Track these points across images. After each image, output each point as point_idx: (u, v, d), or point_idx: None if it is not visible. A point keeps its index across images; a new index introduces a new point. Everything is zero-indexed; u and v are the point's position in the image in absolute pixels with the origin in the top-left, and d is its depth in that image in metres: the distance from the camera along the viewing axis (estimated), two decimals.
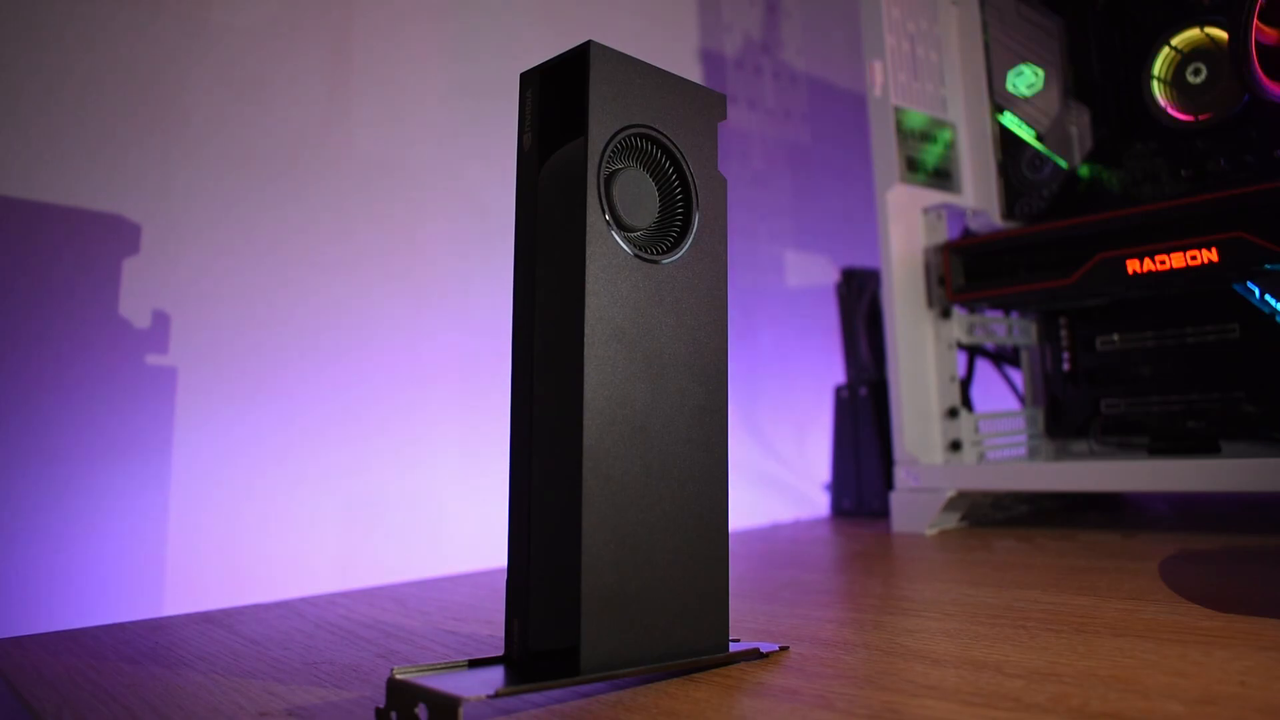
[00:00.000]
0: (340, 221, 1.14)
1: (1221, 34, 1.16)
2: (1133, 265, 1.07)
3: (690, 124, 0.59)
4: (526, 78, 0.58)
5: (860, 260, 1.61)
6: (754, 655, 0.58)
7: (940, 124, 1.33)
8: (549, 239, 0.55)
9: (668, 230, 0.57)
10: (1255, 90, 0.97)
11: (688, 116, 0.58)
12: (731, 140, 1.69)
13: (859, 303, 1.55)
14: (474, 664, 0.53)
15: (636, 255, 0.55)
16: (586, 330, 0.52)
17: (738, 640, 0.61)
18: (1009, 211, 1.34)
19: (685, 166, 0.58)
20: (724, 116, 0.61)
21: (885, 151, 1.27)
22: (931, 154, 1.31)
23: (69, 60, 0.96)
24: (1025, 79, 1.34)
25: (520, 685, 0.48)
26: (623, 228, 0.54)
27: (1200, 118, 1.17)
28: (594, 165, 0.53)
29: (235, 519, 1.01)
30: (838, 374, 1.65)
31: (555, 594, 0.53)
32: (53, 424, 0.91)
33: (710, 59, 1.67)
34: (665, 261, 0.56)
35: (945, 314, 1.25)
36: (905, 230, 1.26)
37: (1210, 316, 1.22)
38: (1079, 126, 1.31)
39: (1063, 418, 1.36)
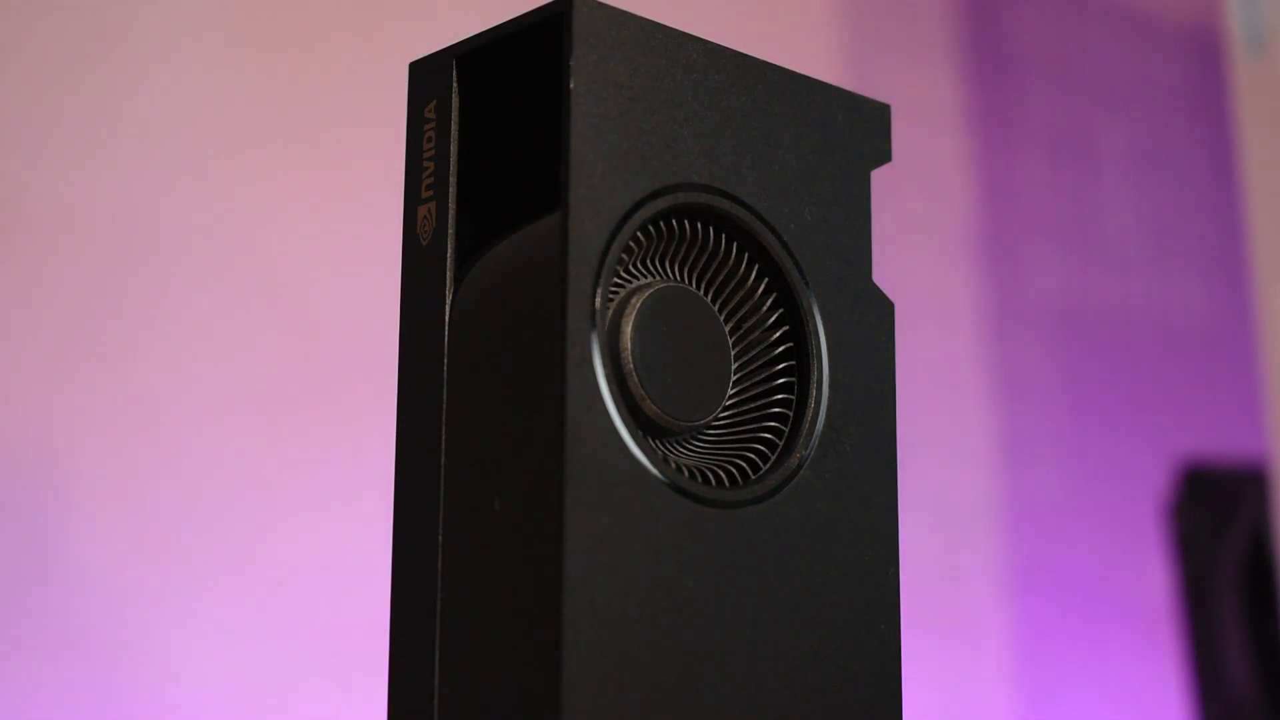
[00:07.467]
0: None
1: None
2: None
3: (810, 180, 0.27)
4: (428, 78, 0.27)
5: (1218, 444, 0.81)
6: None
7: None
8: (480, 434, 0.26)
9: (750, 430, 0.26)
10: None
11: (803, 162, 0.27)
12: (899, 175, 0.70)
13: (1221, 549, 0.76)
14: None
15: (680, 491, 0.25)
16: (567, 625, 0.24)
17: None
18: None
19: (796, 278, 0.26)
20: (886, 155, 0.29)
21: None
22: None
23: None
24: None
25: None
26: (652, 429, 0.25)
27: None
28: (584, 282, 0.24)
29: None
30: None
31: None
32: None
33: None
34: (746, 507, 0.25)
35: None
36: None
37: None
38: None
39: None
